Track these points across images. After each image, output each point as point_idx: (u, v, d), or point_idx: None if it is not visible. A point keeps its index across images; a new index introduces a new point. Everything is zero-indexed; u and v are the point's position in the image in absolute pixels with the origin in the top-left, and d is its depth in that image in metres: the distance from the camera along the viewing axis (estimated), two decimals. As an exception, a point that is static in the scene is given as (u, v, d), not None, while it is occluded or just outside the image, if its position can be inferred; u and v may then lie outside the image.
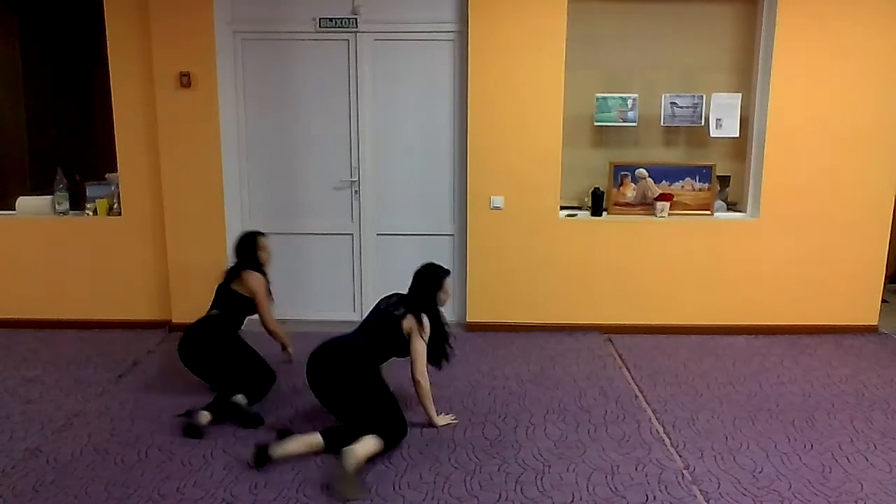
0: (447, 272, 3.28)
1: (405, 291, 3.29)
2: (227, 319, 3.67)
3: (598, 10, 4.65)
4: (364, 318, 3.33)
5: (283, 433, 3.06)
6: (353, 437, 2.87)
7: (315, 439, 2.96)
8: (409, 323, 3.14)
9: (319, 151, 4.76)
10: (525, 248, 4.64)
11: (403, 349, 3.17)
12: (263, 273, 3.76)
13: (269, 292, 3.76)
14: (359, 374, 3.08)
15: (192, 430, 3.16)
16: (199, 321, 3.67)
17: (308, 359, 3.18)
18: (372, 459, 2.88)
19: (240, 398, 3.34)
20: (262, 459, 2.85)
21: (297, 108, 4.71)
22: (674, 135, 4.82)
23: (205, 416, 3.22)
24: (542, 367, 4.08)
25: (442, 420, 3.29)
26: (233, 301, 3.68)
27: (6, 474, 2.84)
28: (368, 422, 2.94)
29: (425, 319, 3.16)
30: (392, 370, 3.32)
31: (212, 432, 3.19)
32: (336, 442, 2.91)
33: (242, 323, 3.76)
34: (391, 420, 3.00)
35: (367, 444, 2.85)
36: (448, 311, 4.83)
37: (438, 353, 3.27)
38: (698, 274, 4.67)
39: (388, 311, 3.21)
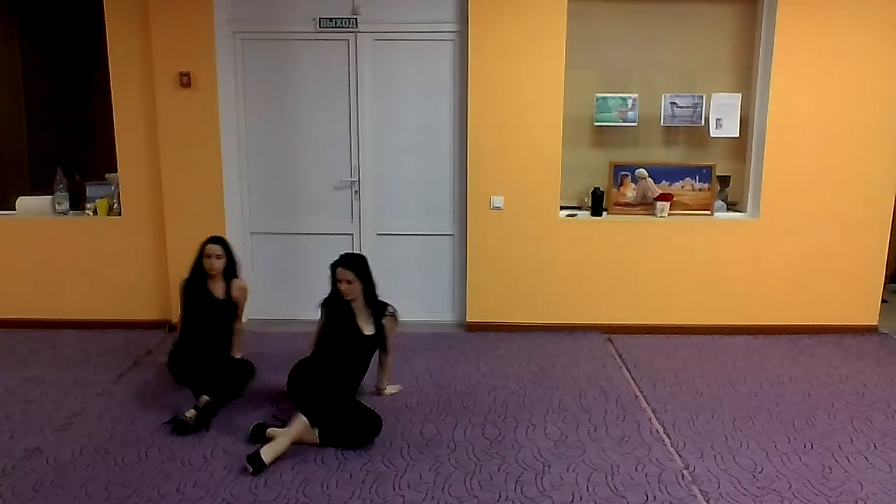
0: (337, 262, 3.39)
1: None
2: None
3: (598, 9, 4.65)
4: None
5: (266, 426, 3.14)
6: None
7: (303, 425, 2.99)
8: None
9: (319, 151, 4.76)
10: (525, 248, 4.64)
11: (349, 348, 3.30)
12: (198, 282, 3.73)
13: (189, 299, 3.74)
14: (320, 386, 3.19)
15: (180, 426, 3.18)
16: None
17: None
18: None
19: (204, 398, 3.34)
20: (258, 465, 2.83)
21: (297, 108, 4.71)
22: (674, 135, 4.82)
23: (191, 413, 3.25)
24: (542, 367, 4.08)
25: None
26: None
27: (6, 474, 2.83)
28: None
29: (323, 310, 3.41)
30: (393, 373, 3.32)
31: (212, 432, 3.19)
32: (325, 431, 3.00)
33: (207, 328, 3.73)
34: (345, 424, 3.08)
35: (294, 431, 2.96)
36: (448, 311, 4.91)
37: (334, 343, 3.33)
38: (698, 274, 4.67)
39: None
